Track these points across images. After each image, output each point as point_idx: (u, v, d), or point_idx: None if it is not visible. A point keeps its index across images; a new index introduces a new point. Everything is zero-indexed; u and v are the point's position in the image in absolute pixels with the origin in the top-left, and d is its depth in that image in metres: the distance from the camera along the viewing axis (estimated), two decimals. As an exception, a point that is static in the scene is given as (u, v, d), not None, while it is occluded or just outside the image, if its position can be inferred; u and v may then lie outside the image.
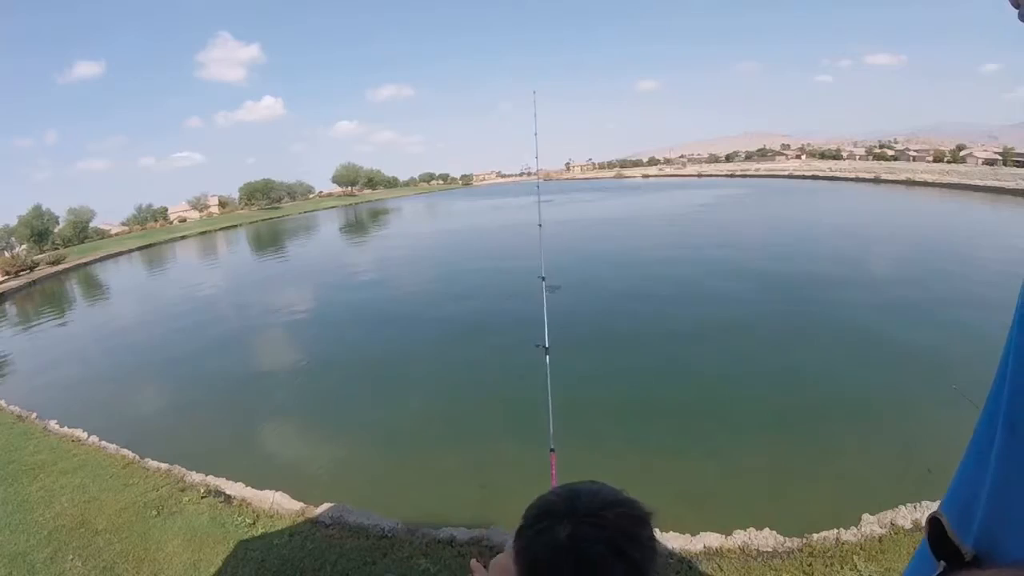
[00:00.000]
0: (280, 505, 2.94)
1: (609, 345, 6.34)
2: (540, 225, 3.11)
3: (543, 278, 2.40)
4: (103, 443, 4.02)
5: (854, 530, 2.24)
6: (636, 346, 6.24)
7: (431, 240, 20.16)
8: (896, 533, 2.20)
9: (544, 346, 2.13)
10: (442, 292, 10.24)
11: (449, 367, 6.13)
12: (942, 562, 0.63)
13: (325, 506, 2.87)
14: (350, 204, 59.36)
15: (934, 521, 0.65)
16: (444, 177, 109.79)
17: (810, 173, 40.81)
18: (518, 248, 13.69)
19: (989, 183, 25.05)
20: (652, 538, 0.57)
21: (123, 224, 52.69)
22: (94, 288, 18.98)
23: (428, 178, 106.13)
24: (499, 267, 11.85)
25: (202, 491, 3.14)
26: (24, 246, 32.71)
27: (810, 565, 2.13)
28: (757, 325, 6.58)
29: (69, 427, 4.39)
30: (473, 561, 0.90)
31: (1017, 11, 0.62)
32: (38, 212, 37.79)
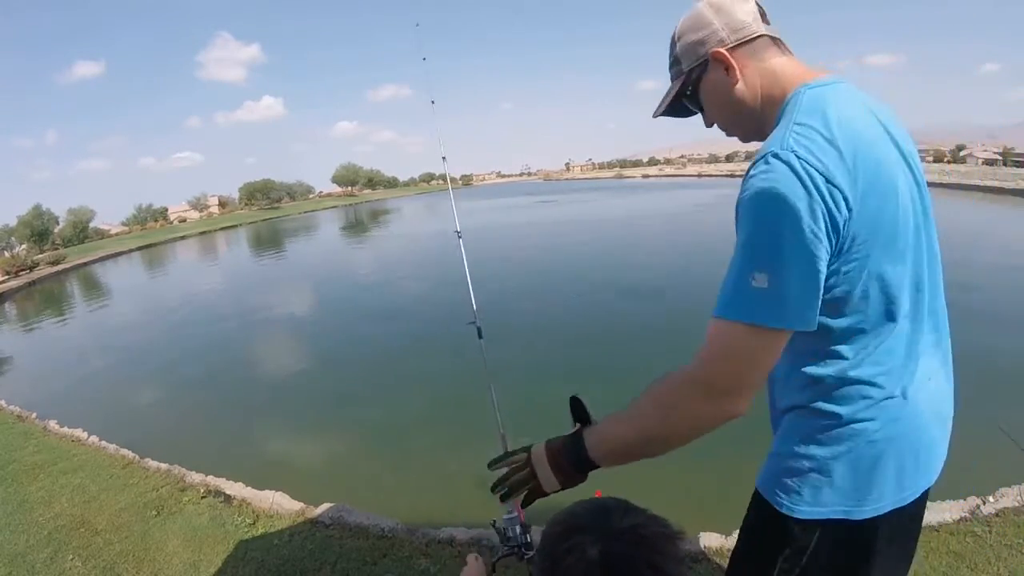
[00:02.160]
0: (280, 505, 2.94)
1: (604, 340, 6.34)
2: (444, 158, 2.42)
3: (459, 233, 1.91)
4: (103, 443, 4.01)
5: (854, 530, 2.24)
6: (633, 341, 6.24)
7: (433, 240, 20.16)
8: (896, 533, 2.20)
9: (476, 325, 1.68)
10: (442, 290, 10.24)
11: (450, 366, 6.13)
12: (578, 423, 0.94)
13: (325, 506, 2.87)
14: (350, 204, 59.42)
15: (575, 399, 0.97)
16: (444, 177, 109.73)
17: (810, 173, 40.68)
18: (517, 250, 13.71)
19: (989, 183, 25.08)
20: (683, 556, 0.56)
21: (123, 224, 52.79)
22: (94, 288, 18.99)
23: (428, 178, 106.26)
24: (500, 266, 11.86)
25: (202, 491, 3.13)
26: (24, 246, 32.74)
27: (810, 565, 2.12)
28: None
29: (69, 427, 4.38)
30: (470, 555, 0.90)
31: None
32: (38, 212, 37.85)
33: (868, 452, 0.82)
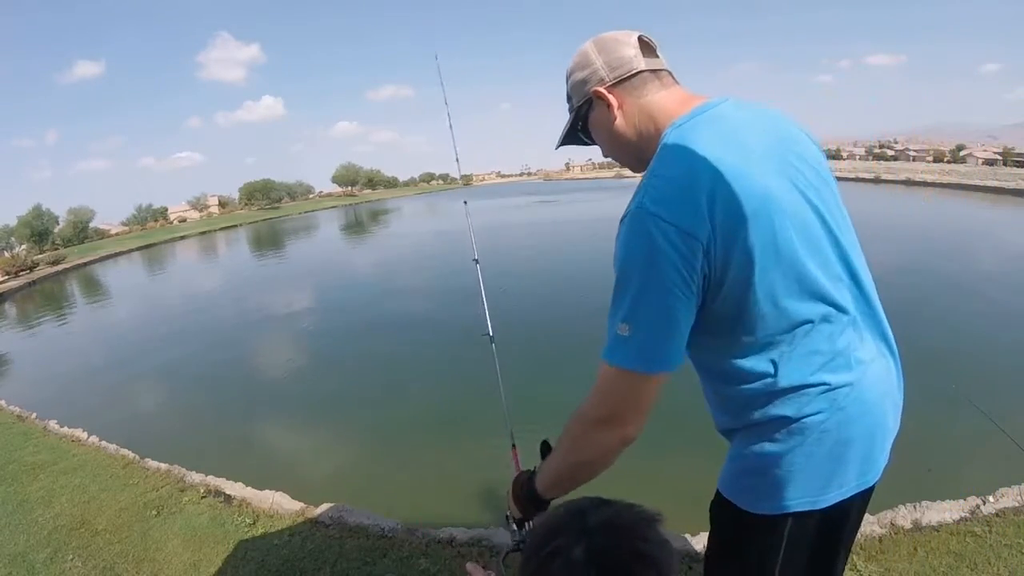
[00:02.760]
0: (280, 505, 2.94)
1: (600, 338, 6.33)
2: (466, 202, 2.61)
3: (476, 260, 2.08)
4: (103, 443, 4.01)
5: (854, 530, 2.24)
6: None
7: (434, 239, 20.16)
8: (896, 533, 2.19)
9: (489, 335, 1.88)
10: (443, 292, 10.24)
11: (450, 367, 6.14)
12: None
13: (325, 506, 2.87)
14: (350, 204, 59.43)
15: (545, 443, 1.05)
16: (444, 177, 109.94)
17: (810, 173, 40.63)
18: (516, 250, 13.71)
19: (989, 183, 25.04)
20: (665, 538, 0.56)
21: (123, 224, 52.81)
22: (94, 288, 18.99)
23: (428, 178, 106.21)
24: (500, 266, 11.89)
25: (202, 491, 3.13)
26: (24, 246, 32.73)
27: (810, 565, 2.12)
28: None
29: (69, 427, 4.38)
30: (469, 564, 0.90)
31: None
32: (38, 212, 37.83)
33: (823, 443, 0.85)
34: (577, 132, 1.00)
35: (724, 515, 0.97)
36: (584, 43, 0.93)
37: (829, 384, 0.83)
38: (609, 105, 0.90)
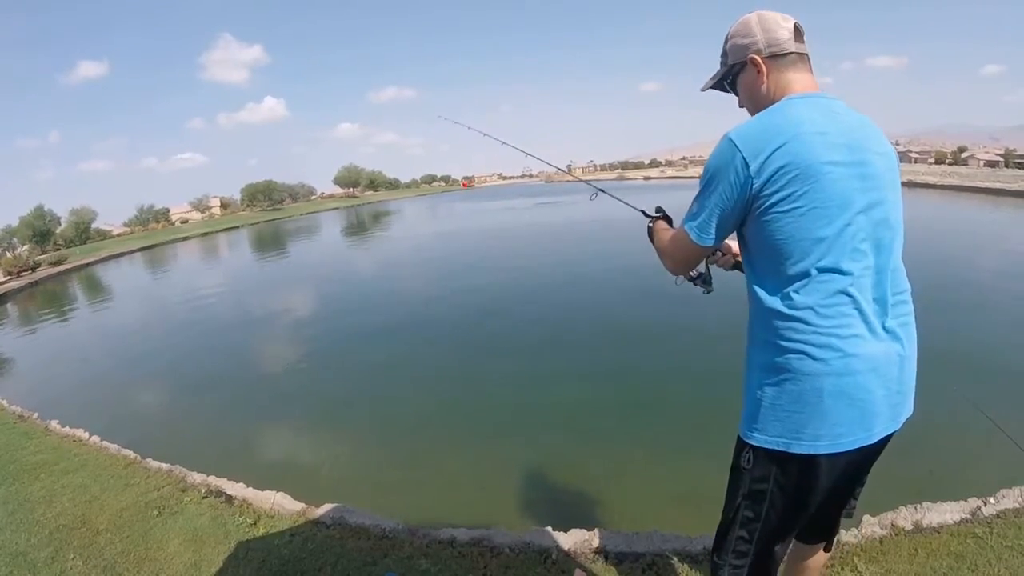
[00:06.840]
0: (281, 506, 2.94)
1: (607, 341, 6.34)
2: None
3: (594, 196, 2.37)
4: (104, 443, 4.01)
5: (854, 531, 2.23)
6: (635, 343, 6.24)
7: (435, 240, 20.17)
8: (897, 534, 2.19)
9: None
10: (443, 291, 10.24)
11: (450, 367, 6.15)
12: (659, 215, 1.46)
13: (326, 507, 2.87)
14: (352, 206, 59.47)
15: (659, 209, 1.47)
16: (445, 179, 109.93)
17: (811, 175, 40.51)
18: (515, 249, 13.69)
19: (990, 185, 25.01)
20: None
21: (125, 225, 52.78)
22: (96, 289, 19.02)
23: (430, 180, 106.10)
24: (499, 265, 11.89)
25: (203, 491, 3.14)
26: (26, 247, 32.70)
27: (811, 566, 2.12)
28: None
29: (71, 427, 4.39)
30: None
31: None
32: (40, 213, 37.77)
33: (803, 385, 1.02)
34: (723, 83, 1.25)
35: (736, 451, 1.19)
36: (749, 14, 1.16)
37: (818, 332, 1.00)
38: (759, 71, 1.13)
